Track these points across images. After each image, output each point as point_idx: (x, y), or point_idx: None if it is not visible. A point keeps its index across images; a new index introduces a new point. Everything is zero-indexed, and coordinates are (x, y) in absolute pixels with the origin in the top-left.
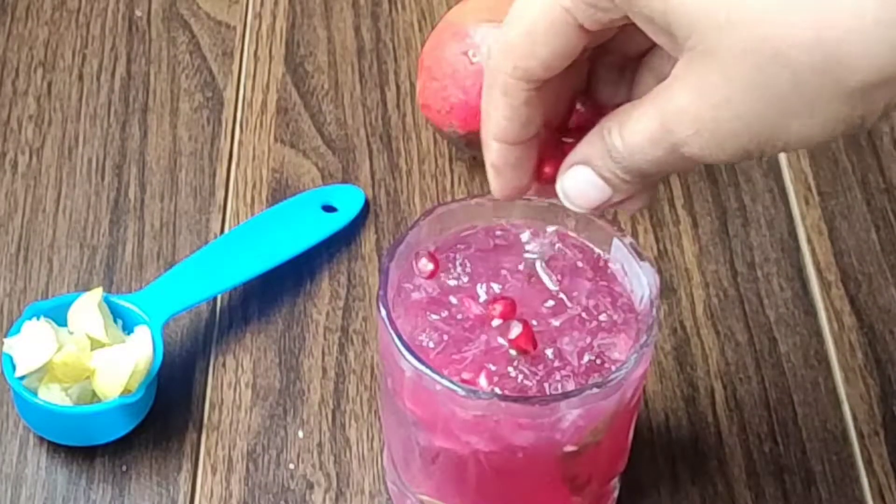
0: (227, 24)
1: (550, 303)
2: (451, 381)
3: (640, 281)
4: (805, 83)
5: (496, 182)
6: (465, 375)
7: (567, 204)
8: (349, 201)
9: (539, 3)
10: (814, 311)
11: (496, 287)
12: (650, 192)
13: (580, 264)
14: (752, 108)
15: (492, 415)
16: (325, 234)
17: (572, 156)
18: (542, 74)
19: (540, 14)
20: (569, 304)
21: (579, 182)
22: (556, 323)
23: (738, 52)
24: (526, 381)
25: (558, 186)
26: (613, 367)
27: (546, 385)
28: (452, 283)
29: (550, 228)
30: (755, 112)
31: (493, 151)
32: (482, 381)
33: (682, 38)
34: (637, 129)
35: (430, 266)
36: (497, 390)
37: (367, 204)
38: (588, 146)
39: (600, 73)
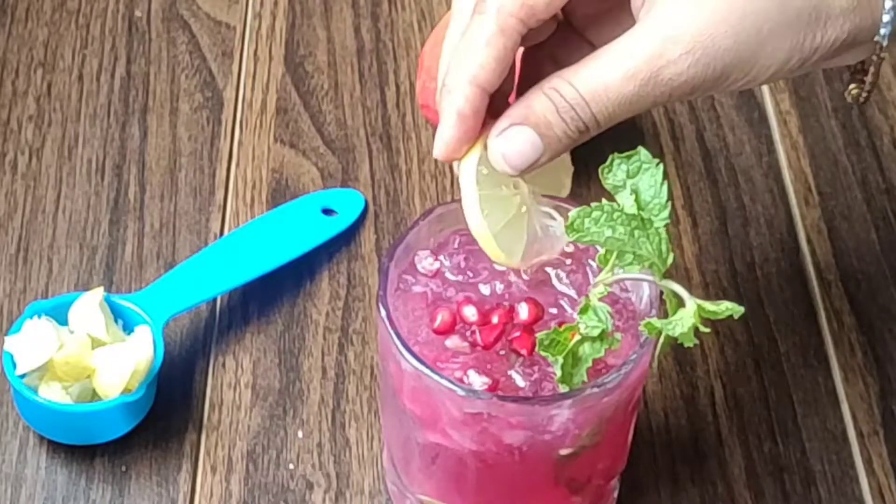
0: (227, 24)
1: (552, 305)
2: (451, 381)
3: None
4: (790, 3)
5: (456, 130)
6: (458, 374)
7: (501, 165)
8: (349, 205)
9: None
10: (813, 310)
11: (498, 286)
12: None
13: (581, 264)
14: (744, 25)
15: (491, 415)
16: (325, 238)
17: (506, 119)
18: (544, 12)
19: None
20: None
21: (518, 142)
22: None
23: None
24: (522, 382)
25: (494, 149)
26: (612, 368)
27: (542, 386)
28: (453, 278)
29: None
30: (745, 30)
31: (466, 97)
32: (479, 380)
33: None
34: (608, 70)
35: (436, 265)
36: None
37: (366, 204)
38: (525, 108)
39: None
